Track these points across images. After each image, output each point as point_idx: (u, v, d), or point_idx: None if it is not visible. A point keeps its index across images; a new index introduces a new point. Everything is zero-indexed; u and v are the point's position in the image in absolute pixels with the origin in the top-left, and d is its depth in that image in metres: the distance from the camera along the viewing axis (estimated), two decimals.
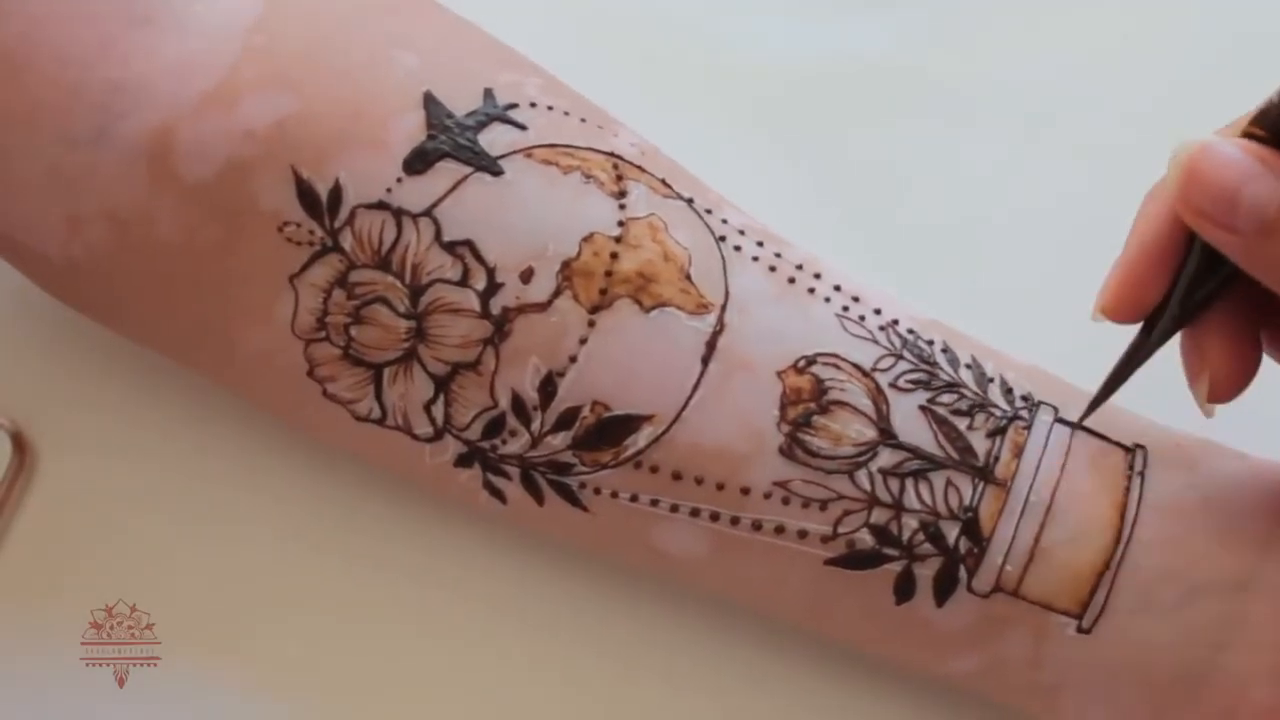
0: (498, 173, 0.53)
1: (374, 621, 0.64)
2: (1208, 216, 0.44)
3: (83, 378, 0.66)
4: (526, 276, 0.53)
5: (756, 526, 0.54)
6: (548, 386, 0.53)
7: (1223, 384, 0.49)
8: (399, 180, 0.53)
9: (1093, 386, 0.52)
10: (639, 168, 0.55)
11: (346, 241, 0.53)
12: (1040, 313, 0.64)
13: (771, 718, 0.63)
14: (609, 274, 0.53)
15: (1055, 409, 0.55)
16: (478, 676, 0.63)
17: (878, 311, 0.55)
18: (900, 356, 0.54)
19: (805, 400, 0.53)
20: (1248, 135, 0.45)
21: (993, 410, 0.54)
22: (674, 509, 0.54)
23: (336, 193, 0.53)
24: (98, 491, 0.65)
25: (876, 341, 0.54)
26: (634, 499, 0.54)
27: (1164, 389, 0.52)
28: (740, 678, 0.63)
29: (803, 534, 0.53)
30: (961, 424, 0.54)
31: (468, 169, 0.53)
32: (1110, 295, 0.49)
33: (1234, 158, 0.44)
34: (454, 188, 0.53)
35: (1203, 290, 0.48)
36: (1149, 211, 0.48)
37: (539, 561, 0.63)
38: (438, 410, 0.54)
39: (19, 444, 0.65)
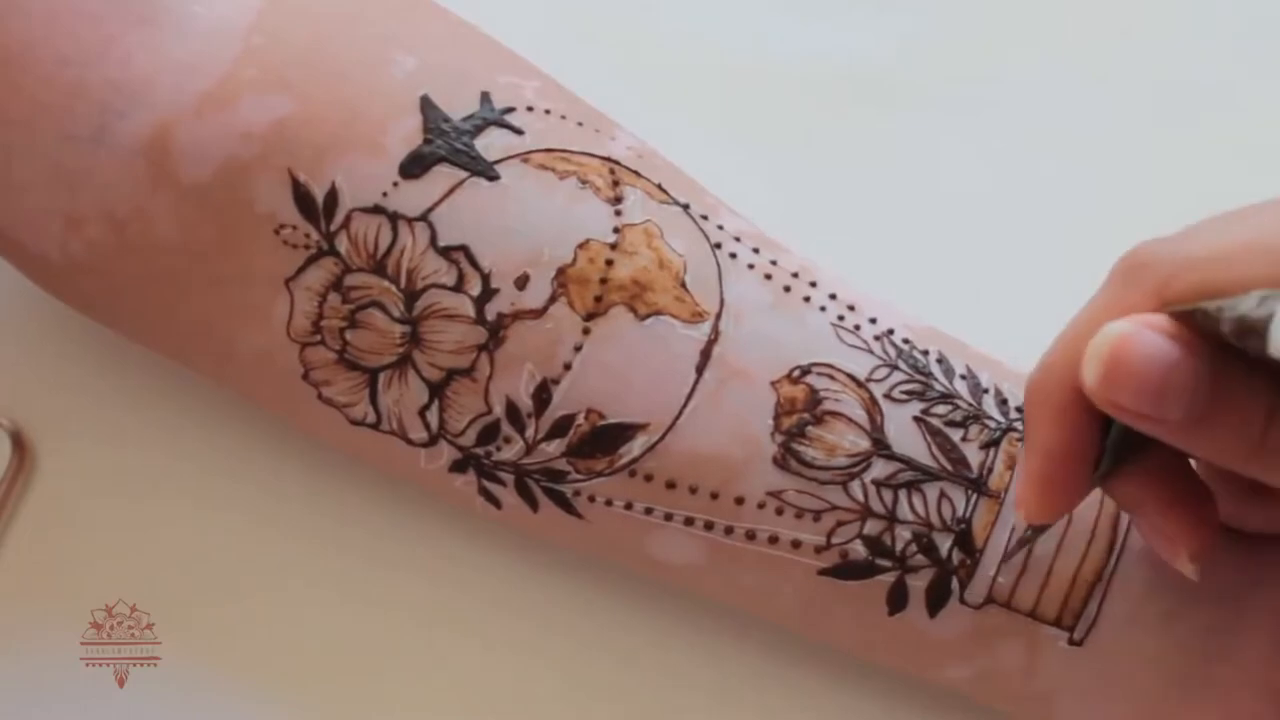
0: (494, 178, 0.53)
1: (375, 621, 0.64)
2: (1132, 411, 0.40)
3: (83, 378, 0.66)
4: (522, 283, 0.53)
5: (750, 536, 0.54)
6: (542, 394, 0.53)
7: (1199, 548, 0.46)
8: (395, 184, 0.53)
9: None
10: (635, 172, 0.55)
11: (342, 245, 0.53)
12: (1040, 313, 0.63)
13: (770, 716, 0.63)
14: (604, 281, 0.53)
15: None
16: (480, 676, 0.63)
17: (873, 321, 0.55)
18: (895, 367, 0.54)
19: (799, 410, 0.53)
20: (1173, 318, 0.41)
21: (987, 422, 0.54)
22: (668, 518, 0.54)
23: (333, 196, 0.53)
24: (97, 492, 0.65)
25: (871, 351, 0.54)
26: (628, 507, 0.54)
27: None
28: (739, 677, 0.63)
29: (796, 544, 0.53)
30: (955, 435, 0.53)
31: (463, 174, 0.53)
32: (1035, 507, 0.46)
33: (1159, 349, 0.40)
34: (449, 193, 0.53)
35: (1125, 456, 0.45)
36: (1047, 415, 0.45)
37: (540, 561, 0.63)
38: (432, 416, 0.54)
39: (19, 444, 0.65)
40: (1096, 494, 0.52)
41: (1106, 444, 0.45)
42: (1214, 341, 0.39)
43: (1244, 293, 0.38)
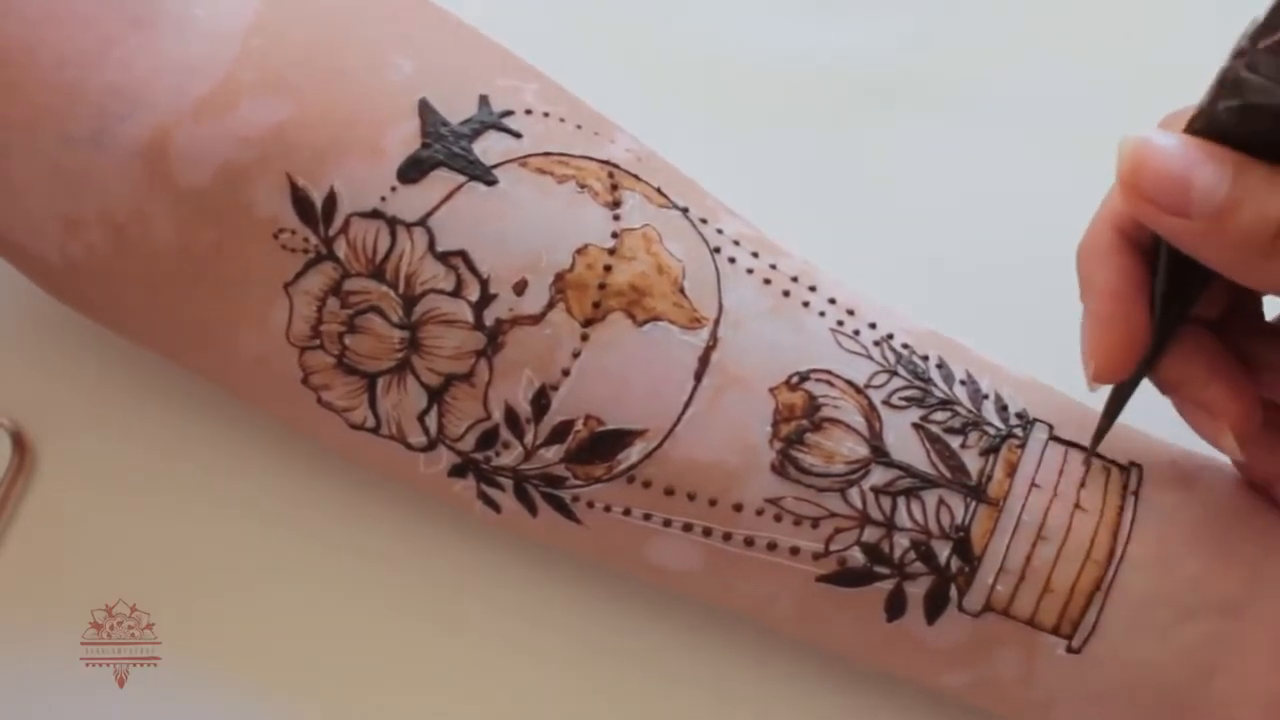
0: (492, 182, 0.53)
1: (375, 621, 0.64)
2: (1160, 205, 0.44)
3: (83, 378, 0.66)
4: (520, 288, 0.52)
5: (748, 543, 0.54)
6: (541, 399, 0.53)
7: (1241, 421, 0.49)
8: (393, 189, 0.53)
9: (1090, 390, 0.52)
10: (634, 176, 0.55)
11: (341, 250, 0.53)
12: (1039, 313, 0.64)
13: (769, 716, 0.63)
14: (602, 286, 0.53)
15: (1050, 427, 0.54)
16: (479, 676, 0.63)
17: (872, 326, 0.55)
18: (894, 373, 0.54)
19: (798, 417, 0.53)
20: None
21: (986, 428, 0.54)
22: (666, 524, 0.54)
23: (331, 200, 0.53)
24: (98, 492, 0.65)
25: (870, 357, 0.54)
26: (627, 513, 0.54)
27: (1162, 402, 0.52)
28: (738, 680, 0.63)
29: (794, 551, 0.53)
30: (954, 442, 0.53)
31: (462, 178, 0.53)
32: (1102, 359, 0.49)
33: (1177, 147, 0.44)
34: (448, 197, 0.53)
35: (1176, 307, 0.48)
36: (1096, 262, 0.49)
37: (540, 562, 0.63)
38: (431, 421, 0.54)
39: (19, 443, 0.65)
40: (1096, 502, 0.52)
41: (1154, 301, 0.48)
42: (1222, 139, 0.43)
43: None
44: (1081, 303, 0.49)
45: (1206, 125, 0.44)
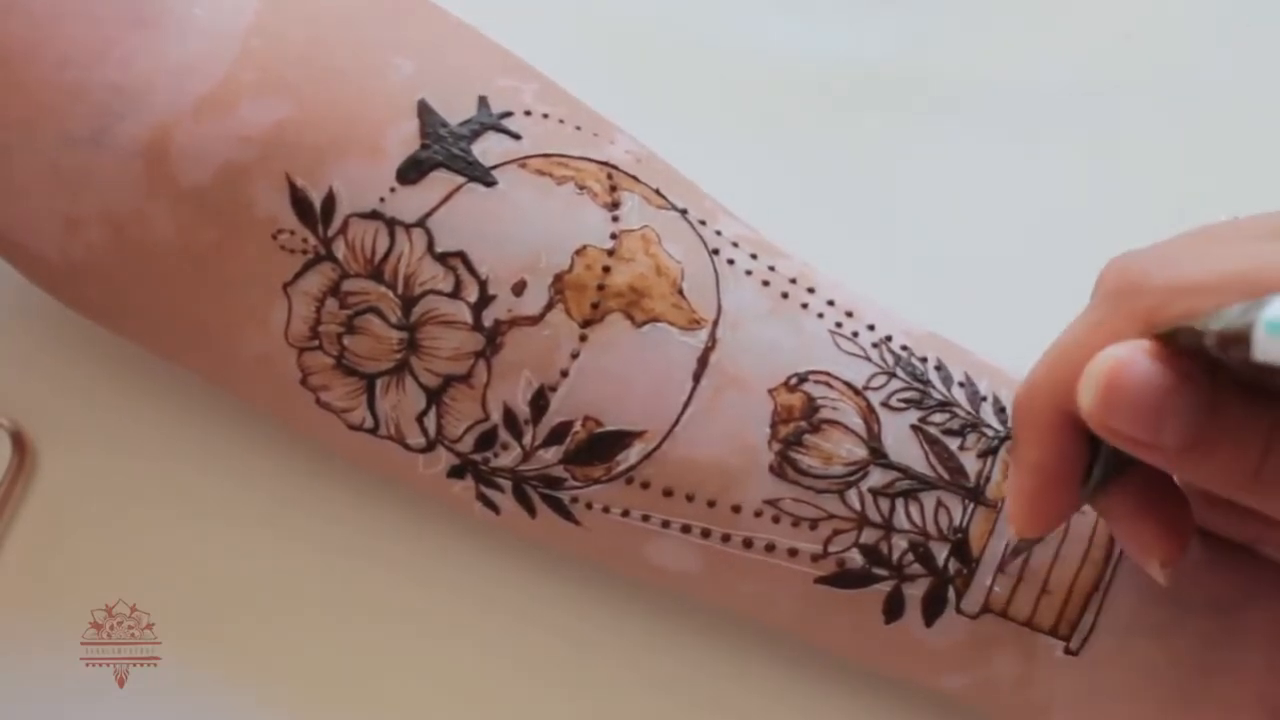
0: (491, 183, 0.53)
1: (375, 621, 0.64)
2: (1128, 436, 0.40)
3: (83, 378, 0.66)
4: (519, 289, 0.53)
5: (747, 544, 0.54)
6: (539, 400, 0.53)
7: (1169, 556, 0.46)
8: (392, 190, 0.53)
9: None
10: (633, 177, 0.55)
11: (339, 250, 0.53)
12: (1040, 317, 0.63)
13: (769, 716, 0.63)
14: (601, 287, 0.53)
15: None
16: (477, 676, 0.63)
17: (871, 328, 0.55)
18: (893, 375, 0.54)
19: (796, 418, 0.53)
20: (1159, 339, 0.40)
21: (985, 430, 0.54)
22: (665, 525, 0.54)
23: (330, 201, 0.53)
24: (98, 491, 0.65)
25: (869, 359, 0.54)
26: (625, 514, 0.54)
27: None
28: (739, 678, 0.63)
29: (793, 552, 0.53)
30: (953, 444, 0.53)
31: (461, 179, 0.53)
32: (1026, 523, 0.46)
33: (1156, 373, 0.39)
34: (447, 198, 0.53)
35: (1115, 473, 0.46)
36: (1034, 435, 0.45)
37: (539, 562, 0.63)
38: (430, 422, 0.54)
39: (19, 443, 0.65)
40: None
41: (1097, 459, 0.45)
42: (1199, 361, 0.39)
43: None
44: (1010, 458, 0.48)
45: (1190, 346, 0.39)
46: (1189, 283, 0.41)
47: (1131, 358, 0.39)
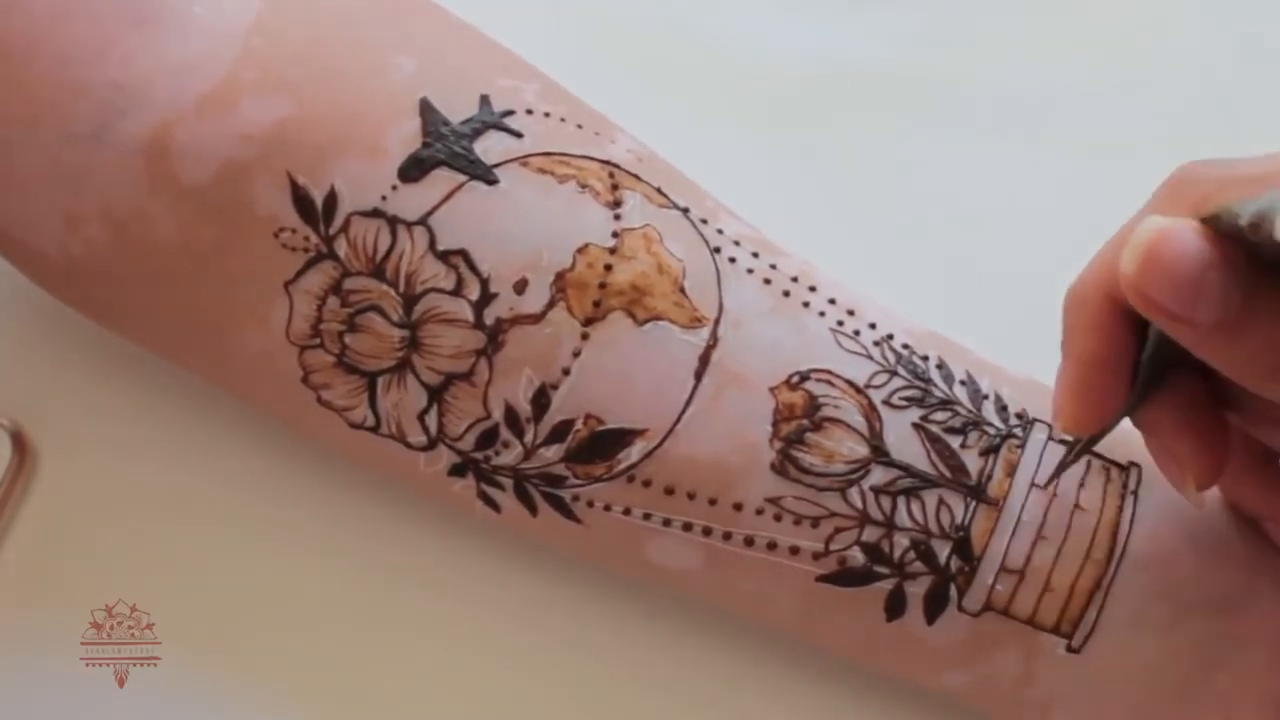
0: (493, 182, 0.53)
1: (374, 621, 0.64)
2: (1164, 306, 0.40)
3: (83, 378, 0.66)
4: (520, 287, 0.53)
5: (749, 542, 0.54)
6: (541, 399, 0.53)
7: (1205, 475, 0.47)
8: (394, 188, 0.53)
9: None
10: (635, 176, 0.55)
11: (341, 249, 0.53)
12: (1039, 314, 0.64)
13: (769, 716, 0.63)
14: (603, 286, 0.53)
15: (1050, 426, 0.54)
16: (476, 676, 0.63)
17: (873, 326, 0.55)
18: (894, 373, 0.54)
19: (798, 417, 0.53)
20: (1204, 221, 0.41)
21: (986, 428, 0.54)
22: (666, 523, 0.54)
23: (332, 199, 0.53)
24: (98, 491, 0.65)
25: (871, 357, 0.54)
26: (627, 512, 0.54)
27: None
28: (739, 677, 0.63)
29: (794, 550, 0.53)
30: (955, 442, 0.53)
31: (462, 177, 0.53)
32: (1072, 417, 0.47)
33: (1195, 249, 0.39)
34: (448, 196, 0.53)
35: (1160, 371, 0.46)
36: (1084, 322, 0.46)
37: (540, 565, 0.63)
38: (431, 420, 0.54)
39: (19, 444, 0.65)
40: (1096, 502, 0.52)
41: (1141, 362, 0.46)
42: (1239, 246, 0.39)
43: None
44: (1061, 351, 0.48)
45: (1229, 227, 0.40)
46: (1240, 174, 0.42)
47: (1174, 229, 0.40)
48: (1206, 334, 0.41)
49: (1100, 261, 0.45)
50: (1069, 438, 0.54)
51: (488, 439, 0.54)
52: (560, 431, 0.53)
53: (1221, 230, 0.40)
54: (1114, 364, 0.46)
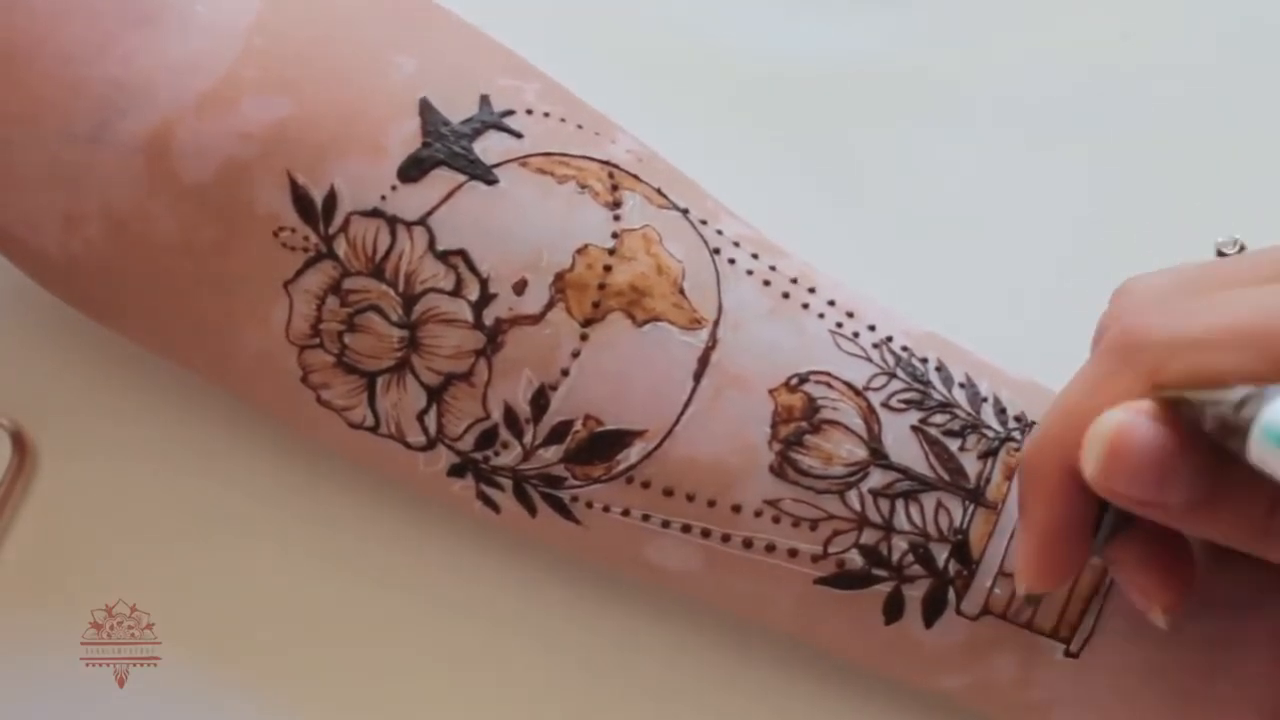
0: (492, 182, 0.53)
1: (374, 622, 0.64)
2: (1133, 498, 0.40)
3: (83, 378, 0.66)
4: (520, 288, 0.53)
5: (747, 544, 0.53)
6: (540, 399, 0.53)
7: (1170, 604, 0.47)
8: (394, 188, 0.53)
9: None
10: (635, 177, 0.55)
11: (341, 248, 0.53)
12: (1040, 314, 0.64)
13: (768, 716, 0.63)
14: (602, 286, 0.53)
15: None
16: (478, 677, 0.63)
17: (872, 328, 0.55)
18: (893, 375, 0.54)
19: (797, 419, 0.53)
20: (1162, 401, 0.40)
21: (985, 431, 0.53)
22: (665, 524, 0.54)
23: (331, 199, 0.53)
24: (98, 491, 0.65)
25: (870, 360, 0.54)
26: (625, 513, 0.54)
27: None
28: (738, 678, 0.63)
29: (793, 553, 0.53)
30: (953, 445, 0.53)
31: (462, 177, 0.53)
32: (1034, 579, 0.46)
33: (1157, 436, 0.39)
34: (448, 196, 0.53)
35: (1123, 526, 0.46)
36: (1042, 495, 0.45)
37: (541, 568, 0.63)
38: (430, 420, 0.54)
39: (19, 444, 0.65)
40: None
41: (1104, 515, 0.45)
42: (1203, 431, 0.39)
43: (1228, 387, 0.38)
44: (1019, 513, 0.47)
45: (1191, 418, 0.39)
46: (1190, 337, 0.41)
47: (1134, 421, 0.40)
48: (1180, 513, 0.41)
49: (1051, 430, 0.44)
50: None
51: (487, 439, 0.54)
52: (559, 432, 0.53)
53: (1181, 414, 0.39)
54: (1073, 533, 0.45)
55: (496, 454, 0.54)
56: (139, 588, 0.63)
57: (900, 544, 0.53)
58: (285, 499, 0.64)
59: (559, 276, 0.53)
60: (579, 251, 0.53)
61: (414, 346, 0.53)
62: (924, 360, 0.55)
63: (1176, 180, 0.66)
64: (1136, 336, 0.42)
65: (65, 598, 0.64)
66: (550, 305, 0.53)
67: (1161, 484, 0.40)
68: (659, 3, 0.73)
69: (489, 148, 0.54)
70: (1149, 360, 0.41)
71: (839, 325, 0.55)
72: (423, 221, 0.53)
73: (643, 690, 0.63)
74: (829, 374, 0.54)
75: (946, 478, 0.53)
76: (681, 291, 0.53)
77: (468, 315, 0.53)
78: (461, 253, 0.53)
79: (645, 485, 0.53)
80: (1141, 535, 0.46)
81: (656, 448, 0.53)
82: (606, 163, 0.55)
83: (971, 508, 0.53)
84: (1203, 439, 0.39)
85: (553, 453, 0.54)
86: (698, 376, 0.53)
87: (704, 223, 0.55)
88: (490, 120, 0.54)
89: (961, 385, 0.54)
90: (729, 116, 0.71)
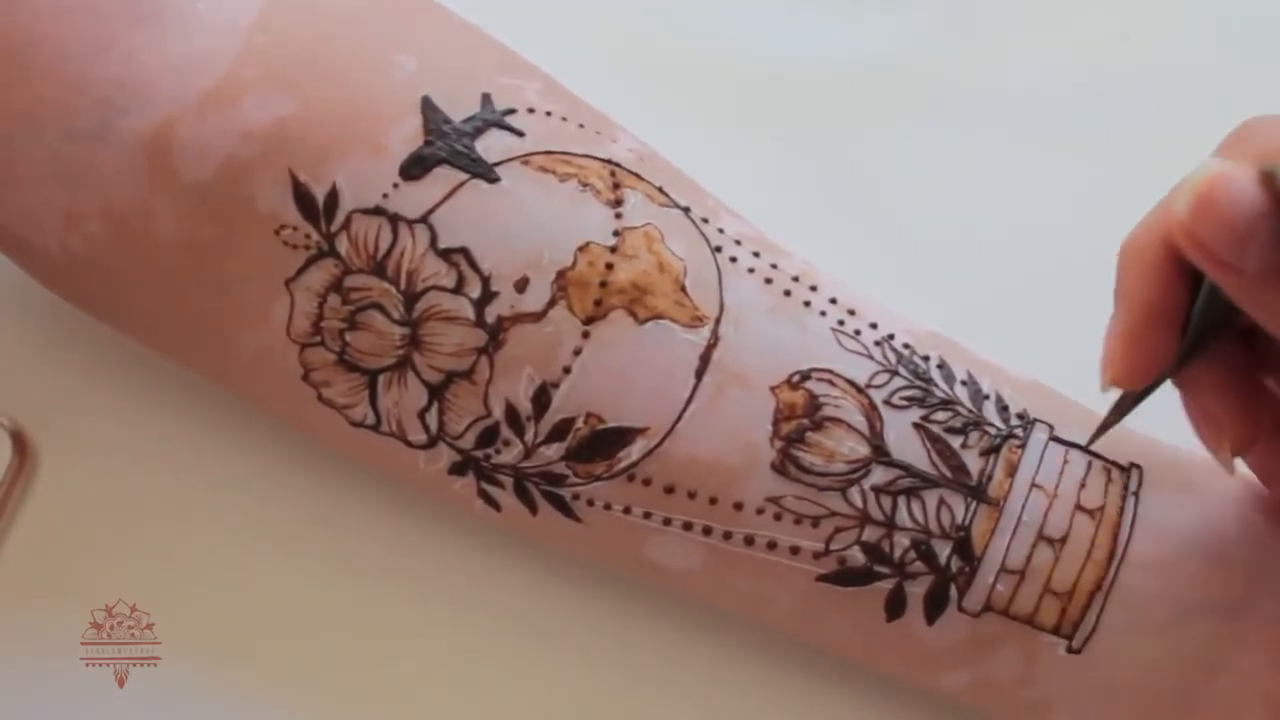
0: (494, 180, 0.53)
1: (374, 622, 0.64)
2: (1212, 252, 0.40)
3: (83, 378, 0.66)
4: (521, 285, 0.53)
5: (749, 541, 0.54)
6: (541, 397, 0.53)
7: (1240, 440, 0.48)
8: (395, 186, 0.53)
9: (1091, 393, 0.51)
10: (636, 175, 0.55)
11: (342, 246, 0.53)
12: (1040, 314, 0.64)
13: (768, 716, 0.63)
14: (604, 284, 0.53)
15: (1050, 427, 0.54)
16: (477, 676, 0.63)
17: (874, 326, 0.55)
18: (895, 372, 0.54)
19: (798, 416, 0.53)
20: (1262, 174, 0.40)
21: (987, 428, 0.54)
22: (666, 522, 0.54)
23: (333, 197, 0.53)
24: (98, 491, 0.65)
25: (871, 357, 0.54)
26: (627, 511, 0.54)
27: (1165, 401, 0.52)
28: (738, 677, 0.63)
29: (795, 550, 0.53)
30: (955, 442, 0.53)
31: (464, 176, 0.53)
32: (1122, 366, 0.47)
33: (1249, 194, 0.39)
34: (450, 194, 0.53)
35: (1211, 329, 0.46)
36: (1140, 271, 0.46)
37: (541, 567, 0.63)
38: (432, 418, 0.54)
39: (19, 444, 0.65)
40: (1097, 502, 0.52)
41: (1191, 318, 0.46)
42: None
43: None
44: (1114, 301, 0.48)
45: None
46: None
47: (1229, 174, 0.40)
48: (1252, 283, 0.41)
49: (1158, 211, 0.45)
50: (1069, 439, 0.53)
51: (488, 437, 0.54)
52: (561, 430, 0.53)
53: (1275, 187, 0.40)
54: (1167, 314, 0.46)
55: (498, 452, 0.54)
56: (139, 588, 0.63)
57: (902, 541, 0.53)
58: (286, 499, 0.64)
59: (561, 274, 0.53)
60: (581, 249, 0.53)
61: (415, 344, 0.53)
62: (925, 358, 0.55)
63: (1177, 180, 0.66)
64: (1254, 127, 0.44)
65: (65, 598, 0.64)
66: (552, 303, 0.53)
67: (1244, 241, 0.40)
68: (659, 3, 0.73)
69: (491, 146, 0.54)
70: (1263, 145, 0.42)
71: (840, 323, 0.55)
72: (424, 219, 0.53)
73: (644, 689, 0.63)
74: (831, 371, 0.54)
75: (948, 475, 0.53)
76: (683, 289, 0.53)
77: (469, 313, 0.53)
78: (463, 250, 0.53)
79: (646, 483, 0.53)
80: (1222, 361, 0.47)
81: (658, 445, 0.53)
82: (608, 161, 0.55)
83: (973, 504, 0.53)
84: None
85: (554, 450, 0.54)
86: (699, 374, 0.53)
87: (705, 221, 0.55)
88: (492, 119, 0.54)
89: (963, 383, 0.54)
90: (729, 116, 0.71)
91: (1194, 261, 0.41)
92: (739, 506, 0.53)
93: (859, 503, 0.53)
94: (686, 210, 0.55)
